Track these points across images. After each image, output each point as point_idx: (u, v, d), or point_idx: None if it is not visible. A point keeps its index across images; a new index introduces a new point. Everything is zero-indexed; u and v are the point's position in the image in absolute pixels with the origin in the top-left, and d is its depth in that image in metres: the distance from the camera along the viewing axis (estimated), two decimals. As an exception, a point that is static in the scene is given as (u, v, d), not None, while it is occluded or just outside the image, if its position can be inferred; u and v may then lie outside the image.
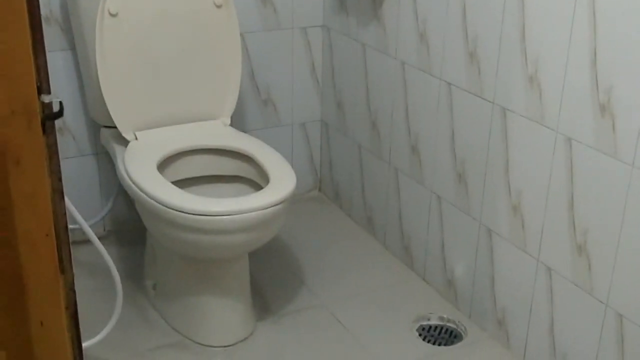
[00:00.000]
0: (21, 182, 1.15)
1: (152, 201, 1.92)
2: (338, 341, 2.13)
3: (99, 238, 1.85)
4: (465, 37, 2.04)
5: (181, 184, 2.15)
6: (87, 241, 1.84)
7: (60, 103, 1.18)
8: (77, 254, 1.63)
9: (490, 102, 2.00)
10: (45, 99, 1.15)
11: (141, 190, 1.95)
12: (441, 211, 2.26)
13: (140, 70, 2.19)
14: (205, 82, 2.29)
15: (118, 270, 1.89)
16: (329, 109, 2.76)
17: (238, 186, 2.22)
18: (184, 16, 2.22)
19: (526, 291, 1.99)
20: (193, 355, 2.06)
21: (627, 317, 1.72)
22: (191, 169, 2.20)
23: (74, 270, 1.28)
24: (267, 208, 1.90)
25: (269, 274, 2.41)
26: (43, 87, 1.15)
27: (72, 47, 2.35)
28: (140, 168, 2.04)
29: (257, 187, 2.13)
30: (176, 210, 1.87)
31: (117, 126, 2.18)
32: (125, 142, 2.19)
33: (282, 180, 2.00)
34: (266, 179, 2.04)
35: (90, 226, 1.86)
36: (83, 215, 1.82)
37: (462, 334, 2.18)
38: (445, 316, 2.24)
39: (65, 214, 1.23)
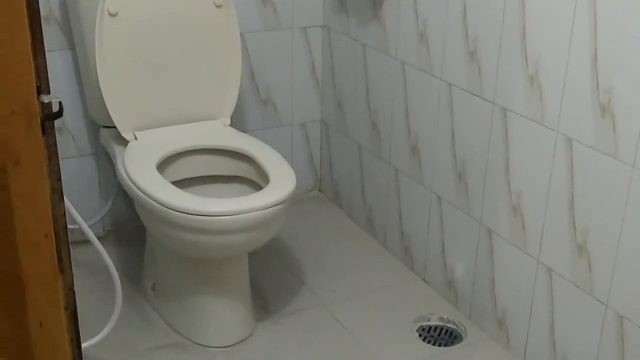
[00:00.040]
0: (20, 182, 1.15)
1: (151, 201, 1.91)
2: (338, 341, 2.13)
3: (98, 238, 1.85)
4: (466, 37, 2.04)
5: (181, 184, 2.14)
6: (87, 241, 1.84)
7: (60, 103, 1.18)
8: (77, 254, 1.63)
9: (490, 102, 2.00)
10: (45, 99, 1.15)
11: (141, 190, 1.95)
12: (441, 211, 2.26)
13: (140, 70, 2.19)
14: (205, 82, 2.28)
15: (117, 271, 1.88)
16: (329, 109, 2.76)
17: (238, 186, 2.22)
18: (184, 16, 2.22)
19: (526, 292, 1.99)
20: (192, 356, 2.06)
21: (628, 318, 1.72)
22: (191, 169, 2.20)
23: (74, 271, 1.28)
24: (267, 208, 1.89)
25: (269, 274, 2.41)
26: (42, 87, 1.15)
27: (72, 47, 2.35)
28: (139, 168, 2.04)
29: (257, 187, 2.13)
30: (176, 211, 1.87)
31: (117, 126, 2.18)
32: (124, 142, 2.19)
33: (282, 181, 2.00)
34: (266, 179, 2.04)
35: (90, 226, 1.86)
36: (82, 215, 1.82)
37: (462, 334, 2.18)
38: (445, 317, 2.24)
39: (64, 214, 1.23)
